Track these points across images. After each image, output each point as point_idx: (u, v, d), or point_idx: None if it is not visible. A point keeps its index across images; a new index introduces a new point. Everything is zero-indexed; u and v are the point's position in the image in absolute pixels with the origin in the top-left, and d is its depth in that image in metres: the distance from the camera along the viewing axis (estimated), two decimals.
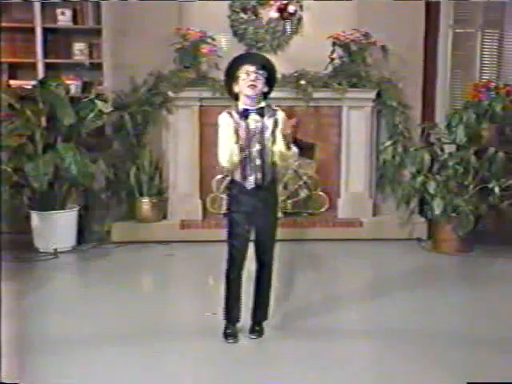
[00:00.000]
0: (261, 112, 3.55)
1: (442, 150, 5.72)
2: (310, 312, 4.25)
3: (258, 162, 3.56)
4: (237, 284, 3.73)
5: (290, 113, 5.98)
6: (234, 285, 3.72)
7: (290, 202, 6.13)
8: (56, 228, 5.56)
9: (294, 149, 3.55)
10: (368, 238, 5.95)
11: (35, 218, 5.56)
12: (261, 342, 3.79)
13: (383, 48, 5.94)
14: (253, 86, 3.48)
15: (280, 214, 6.03)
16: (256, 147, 3.55)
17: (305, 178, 6.12)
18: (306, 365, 3.50)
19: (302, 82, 5.89)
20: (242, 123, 3.54)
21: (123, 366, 3.48)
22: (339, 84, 5.90)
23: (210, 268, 4.02)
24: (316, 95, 5.94)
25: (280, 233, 5.68)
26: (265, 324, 3.88)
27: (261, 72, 3.50)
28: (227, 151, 3.53)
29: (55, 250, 5.49)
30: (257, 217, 3.64)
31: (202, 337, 3.85)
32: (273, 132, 3.56)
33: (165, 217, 6.04)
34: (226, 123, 3.55)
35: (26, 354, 3.59)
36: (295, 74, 5.94)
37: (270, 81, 3.58)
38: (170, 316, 4.24)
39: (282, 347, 3.78)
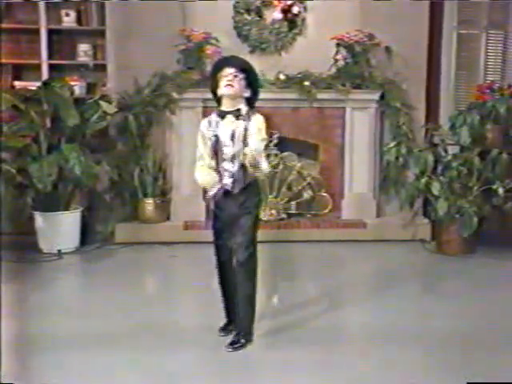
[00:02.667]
0: (237, 114, 3.56)
1: (446, 151, 5.72)
2: (314, 310, 4.26)
3: (227, 165, 3.60)
4: (226, 281, 3.76)
5: (294, 114, 6.07)
6: (224, 286, 3.79)
7: (293, 203, 6.13)
8: (60, 229, 5.57)
9: (264, 166, 3.56)
10: (371, 239, 5.94)
11: (39, 218, 5.58)
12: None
13: (387, 49, 5.94)
14: (229, 86, 3.52)
15: (284, 215, 6.07)
16: (227, 150, 3.58)
17: (308, 179, 6.13)
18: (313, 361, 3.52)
19: (306, 83, 5.90)
20: (219, 125, 3.58)
21: (127, 366, 3.49)
22: (343, 85, 5.91)
23: (212, 269, 4.02)
24: (320, 96, 5.95)
25: (284, 234, 5.78)
26: (272, 320, 3.97)
27: (239, 75, 3.54)
28: (200, 170, 3.65)
29: (59, 250, 5.50)
30: (232, 220, 3.64)
31: (206, 336, 3.86)
32: (244, 135, 3.55)
33: (168, 218, 6.05)
34: (200, 133, 3.66)
35: (28, 355, 3.60)
36: (299, 75, 5.95)
37: (252, 85, 3.63)
38: (173, 316, 4.23)
39: (289, 344, 3.79)
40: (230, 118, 3.56)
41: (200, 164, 3.68)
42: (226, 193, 3.62)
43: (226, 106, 3.59)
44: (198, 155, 3.69)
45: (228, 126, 3.56)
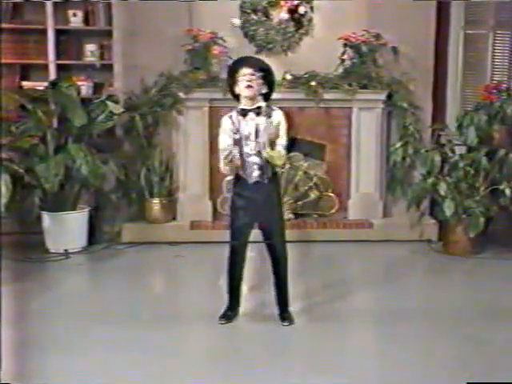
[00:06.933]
0: (258, 111, 3.81)
1: (453, 151, 5.70)
2: (319, 309, 4.31)
3: (255, 158, 3.84)
4: (238, 271, 4.02)
5: (300, 114, 6.07)
6: (234, 272, 4.02)
7: (300, 203, 6.13)
8: (67, 229, 5.58)
9: (281, 149, 3.83)
10: (378, 240, 5.93)
11: (46, 218, 5.59)
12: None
13: (394, 49, 5.93)
14: (249, 87, 3.76)
15: (290, 215, 6.07)
16: (252, 145, 3.82)
17: (315, 179, 6.12)
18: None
19: (313, 83, 5.89)
20: (241, 122, 3.81)
21: (132, 366, 3.50)
22: (350, 85, 5.89)
23: (219, 268, 4.05)
24: (326, 96, 5.94)
25: (290, 234, 5.75)
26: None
27: (257, 74, 3.77)
28: (223, 162, 3.85)
29: (66, 250, 5.51)
30: (260, 212, 3.91)
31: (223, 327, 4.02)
32: (268, 130, 3.80)
33: (175, 218, 6.06)
34: (223, 128, 3.87)
35: (33, 354, 3.61)
36: (306, 75, 5.94)
37: (269, 82, 3.86)
38: (182, 316, 4.25)
39: (301, 333, 4.02)
40: (251, 115, 3.80)
41: (224, 155, 3.85)
42: (254, 184, 3.87)
43: (246, 104, 3.82)
44: (221, 148, 3.89)
45: (250, 122, 3.79)
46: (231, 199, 4.04)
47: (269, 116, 3.81)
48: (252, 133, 3.80)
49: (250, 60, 3.92)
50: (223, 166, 3.89)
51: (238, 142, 3.80)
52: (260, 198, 3.87)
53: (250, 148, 3.81)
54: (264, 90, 3.83)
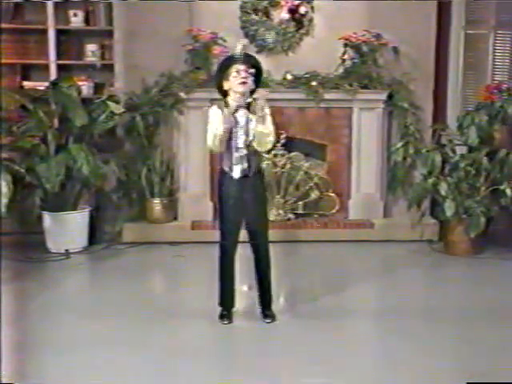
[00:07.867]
0: (248, 107, 3.83)
1: (454, 151, 5.70)
2: (318, 307, 4.31)
3: (244, 152, 3.87)
4: (229, 271, 4.03)
5: (301, 114, 6.07)
6: (226, 272, 4.03)
7: (301, 203, 6.13)
8: (68, 229, 5.59)
9: (269, 125, 3.83)
10: (379, 240, 5.93)
11: (47, 218, 5.59)
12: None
13: (394, 49, 5.93)
14: (243, 84, 3.78)
15: (291, 215, 6.07)
16: (242, 139, 3.85)
17: (315, 179, 6.12)
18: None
19: (313, 83, 5.89)
20: (231, 117, 3.81)
21: (133, 365, 3.51)
22: (350, 85, 5.89)
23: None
24: (327, 96, 5.94)
25: (291, 234, 5.79)
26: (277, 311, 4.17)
27: (250, 70, 3.81)
28: (213, 133, 3.80)
29: (67, 250, 5.52)
30: (246, 206, 3.92)
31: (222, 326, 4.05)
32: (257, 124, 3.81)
33: (176, 218, 6.06)
34: (215, 114, 3.84)
35: (34, 354, 3.61)
36: (306, 75, 5.94)
37: (258, 79, 3.90)
38: (182, 315, 4.24)
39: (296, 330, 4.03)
40: (242, 110, 3.81)
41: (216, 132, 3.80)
42: (240, 180, 3.88)
43: (236, 100, 3.83)
44: (213, 127, 3.81)
45: (241, 118, 3.81)
46: (218, 198, 4.03)
47: (257, 110, 3.79)
48: (242, 127, 3.83)
49: (243, 56, 3.88)
50: (213, 142, 3.81)
51: (227, 136, 3.81)
52: (247, 196, 3.89)
53: (239, 142, 3.85)
54: (253, 87, 3.85)
